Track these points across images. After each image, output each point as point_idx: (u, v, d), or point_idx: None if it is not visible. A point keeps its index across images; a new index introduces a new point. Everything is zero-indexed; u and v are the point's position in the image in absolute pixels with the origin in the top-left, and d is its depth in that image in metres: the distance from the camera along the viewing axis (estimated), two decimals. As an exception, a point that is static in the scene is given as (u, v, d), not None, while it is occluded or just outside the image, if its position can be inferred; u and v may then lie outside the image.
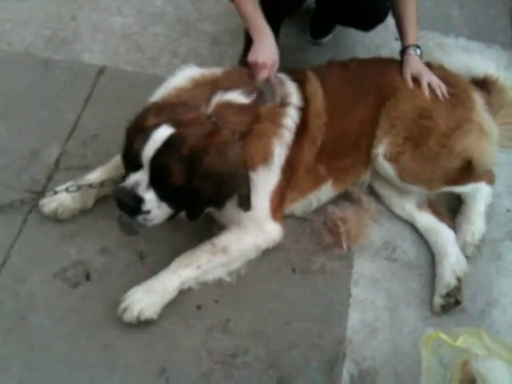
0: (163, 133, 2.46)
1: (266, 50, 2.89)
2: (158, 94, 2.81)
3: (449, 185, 3.14)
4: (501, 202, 3.33)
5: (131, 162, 2.58)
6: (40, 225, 2.97)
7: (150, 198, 2.52)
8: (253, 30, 2.98)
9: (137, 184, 2.51)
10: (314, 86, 2.97)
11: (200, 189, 2.49)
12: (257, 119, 2.67)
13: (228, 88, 2.71)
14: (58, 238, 2.95)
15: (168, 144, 2.45)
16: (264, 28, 2.96)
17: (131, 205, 2.52)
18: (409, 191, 3.17)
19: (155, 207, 2.54)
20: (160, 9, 4.20)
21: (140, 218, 2.56)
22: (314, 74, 3.03)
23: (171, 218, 2.67)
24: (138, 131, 2.55)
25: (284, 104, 2.80)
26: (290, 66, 3.10)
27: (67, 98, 3.55)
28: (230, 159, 2.51)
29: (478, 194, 3.18)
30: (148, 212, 2.54)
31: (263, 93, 2.77)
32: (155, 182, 2.51)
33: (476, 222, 3.13)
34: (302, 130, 2.84)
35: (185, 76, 2.83)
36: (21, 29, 3.93)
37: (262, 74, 2.84)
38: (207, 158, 2.46)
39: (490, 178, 3.22)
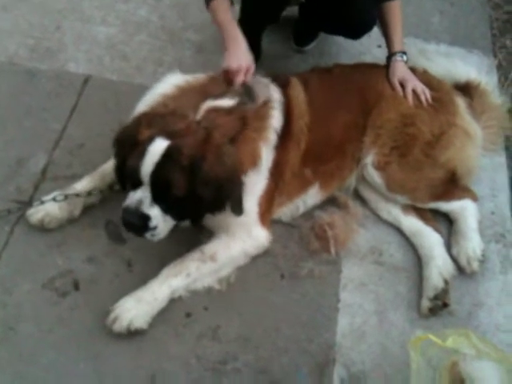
0: (159, 146, 2.45)
1: (239, 56, 2.92)
2: (145, 102, 2.81)
3: (434, 199, 3.17)
4: (485, 204, 3.37)
5: (128, 179, 2.58)
6: (27, 235, 2.95)
7: (155, 213, 2.51)
8: (226, 37, 3.02)
9: (140, 202, 2.50)
10: (297, 89, 3.02)
11: (202, 195, 2.49)
12: (244, 122, 2.69)
13: (215, 93, 2.73)
14: (45, 247, 2.93)
15: (166, 157, 2.44)
16: (237, 34, 3.00)
17: (139, 224, 2.51)
18: (396, 201, 3.20)
19: (161, 221, 2.54)
20: (144, 18, 4.21)
21: (148, 234, 2.56)
22: (297, 79, 3.08)
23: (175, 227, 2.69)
24: (131, 146, 2.53)
25: (267, 106, 2.83)
26: (274, 73, 3.13)
27: (52, 107, 3.53)
28: (227, 162, 2.53)
29: (467, 212, 3.18)
30: (155, 228, 2.54)
31: (242, 97, 2.79)
32: (158, 197, 2.50)
33: (473, 238, 3.11)
34: (286, 133, 2.87)
35: (170, 83, 2.85)
36: (4, 39, 3.90)
37: (238, 79, 2.86)
38: (205, 164, 2.47)
39: (473, 196, 3.25)
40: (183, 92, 2.79)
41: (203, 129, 2.55)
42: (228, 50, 2.97)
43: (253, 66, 2.94)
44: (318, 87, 3.09)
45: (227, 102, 2.73)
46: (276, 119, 2.83)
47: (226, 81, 2.88)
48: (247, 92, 2.82)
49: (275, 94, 2.91)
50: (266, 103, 2.83)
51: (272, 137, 2.80)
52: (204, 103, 2.67)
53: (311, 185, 3.10)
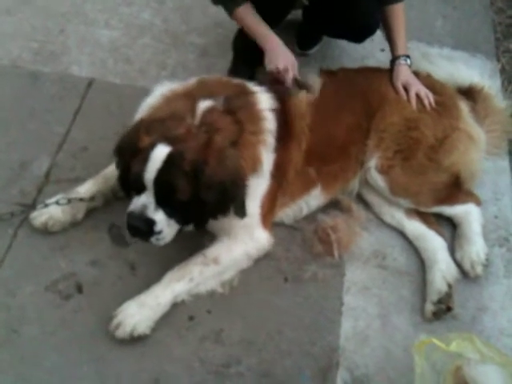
0: (161, 152, 2.45)
1: (282, 54, 3.07)
2: (138, 116, 2.80)
3: (438, 203, 3.16)
4: (488, 208, 3.37)
5: (132, 186, 2.58)
6: (30, 238, 2.95)
7: (160, 218, 2.52)
8: (262, 40, 3.14)
9: (144, 207, 2.51)
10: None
11: (206, 199, 2.50)
12: (240, 126, 2.68)
13: (204, 96, 2.70)
14: (48, 250, 2.93)
15: (168, 163, 2.44)
16: (271, 35, 3.15)
17: (144, 229, 2.52)
18: (399, 205, 3.20)
19: (166, 226, 2.55)
20: (148, 21, 4.22)
21: (153, 239, 2.57)
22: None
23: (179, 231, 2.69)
24: (132, 153, 2.53)
25: (258, 109, 2.81)
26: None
27: (56, 110, 3.54)
28: (229, 165, 2.53)
29: (470, 216, 3.18)
30: (160, 232, 2.55)
31: (298, 91, 2.94)
32: (162, 202, 2.51)
33: (477, 242, 3.11)
34: (286, 133, 2.87)
35: (156, 95, 2.84)
36: (8, 42, 3.92)
37: (289, 77, 3.00)
38: (208, 169, 2.47)
39: (477, 200, 3.24)
40: (168, 101, 2.76)
41: (204, 133, 2.55)
42: (268, 51, 3.09)
43: (296, 61, 3.07)
44: (321, 89, 3.09)
45: (219, 104, 2.70)
46: (269, 121, 2.81)
47: (273, 82, 3.00)
48: (301, 85, 2.93)
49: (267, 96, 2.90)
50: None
51: (270, 139, 2.79)
52: (198, 106, 2.65)
53: (314, 185, 3.10)
